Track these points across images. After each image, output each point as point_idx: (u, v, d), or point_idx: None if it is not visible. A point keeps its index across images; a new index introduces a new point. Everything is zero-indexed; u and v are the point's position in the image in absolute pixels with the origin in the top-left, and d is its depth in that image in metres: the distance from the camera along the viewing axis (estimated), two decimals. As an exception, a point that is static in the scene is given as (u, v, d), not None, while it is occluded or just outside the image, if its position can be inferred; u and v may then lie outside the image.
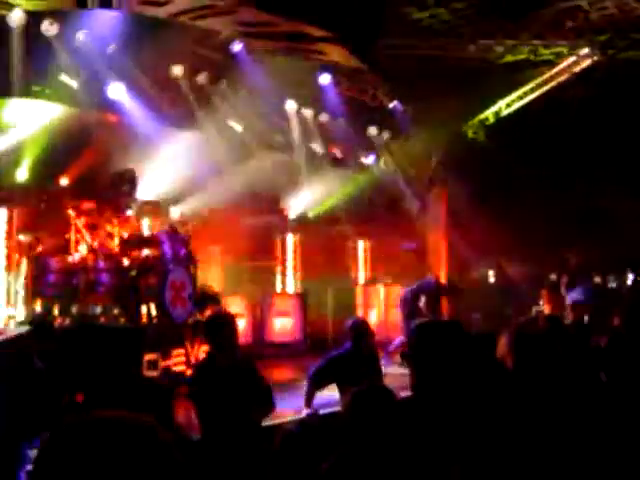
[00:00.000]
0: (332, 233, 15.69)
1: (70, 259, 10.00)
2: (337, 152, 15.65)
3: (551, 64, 15.06)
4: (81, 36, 10.68)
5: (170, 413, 4.77)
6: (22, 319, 9.43)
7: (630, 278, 16.52)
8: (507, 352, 3.47)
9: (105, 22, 10.50)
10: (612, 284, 16.64)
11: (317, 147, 15.19)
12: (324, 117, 14.84)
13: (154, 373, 9.05)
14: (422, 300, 11.42)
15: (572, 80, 15.21)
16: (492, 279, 17.01)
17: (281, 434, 3.07)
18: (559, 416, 3.00)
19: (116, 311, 9.88)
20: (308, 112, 14.52)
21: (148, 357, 9.01)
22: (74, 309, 9.78)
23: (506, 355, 3.46)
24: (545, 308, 13.43)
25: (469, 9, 12.35)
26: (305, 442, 3.03)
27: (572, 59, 14.76)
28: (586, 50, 14.38)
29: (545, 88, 15.61)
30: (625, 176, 15.86)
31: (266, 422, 6.09)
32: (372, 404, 3.11)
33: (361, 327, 7.40)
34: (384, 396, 3.17)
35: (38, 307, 9.85)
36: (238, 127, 13.49)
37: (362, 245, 16.63)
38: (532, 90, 15.75)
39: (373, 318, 14.26)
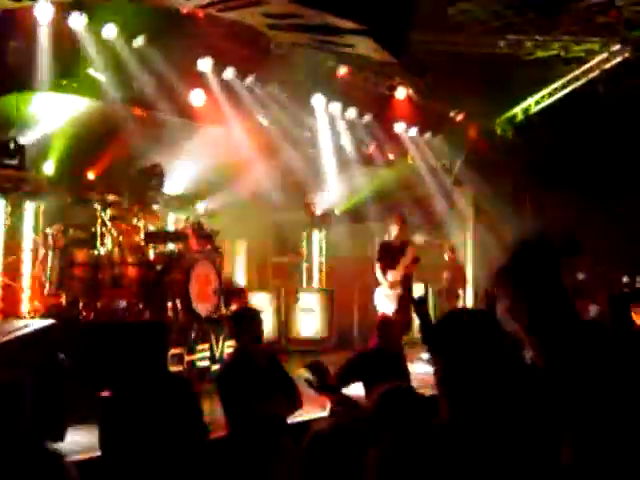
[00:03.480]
0: (359, 229, 15.60)
1: (96, 253, 9.98)
2: (364, 148, 15.54)
3: (582, 61, 14.85)
4: (109, 29, 10.66)
5: (197, 408, 4.73)
6: (47, 312, 9.41)
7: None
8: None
9: (133, 14, 10.47)
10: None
11: (344, 143, 15.10)
12: (351, 112, 14.74)
13: (179, 368, 9.03)
14: None
15: (603, 77, 15.01)
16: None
17: (310, 436, 2.99)
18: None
19: (141, 306, 9.85)
20: (335, 107, 14.42)
21: (173, 352, 8.99)
22: (99, 303, 9.76)
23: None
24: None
25: (499, 4, 12.22)
26: (334, 444, 2.95)
27: (603, 56, 14.55)
28: (618, 47, 14.17)
29: (575, 85, 15.40)
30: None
31: (292, 419, 6.04)
32: (398, 405, 3.04)
33: (387, 326, 7.35)
34: (409, 396, 3.11)
35: (63, 301, 9.83)
36: (265, 122, 13.42)
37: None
38: (562, 87, 15.56)
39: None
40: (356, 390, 6.75)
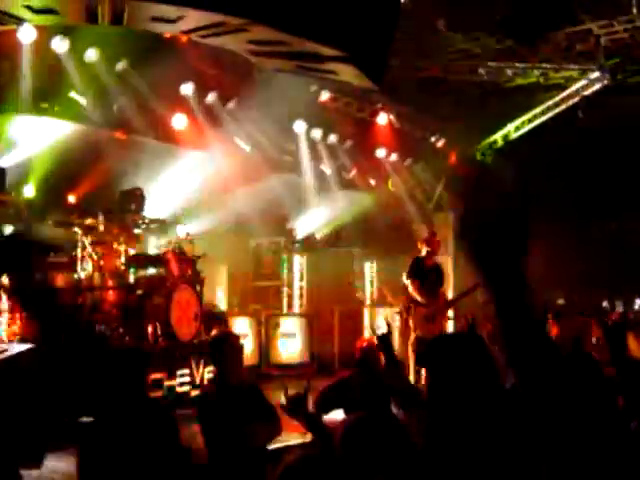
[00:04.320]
0: (339, 254, 15.62)
1: (76, 277, 9.93)
2: (345, 173, 15.60)
3: (561, 88, 15.01)
4: (91, 53, 10.68)
5: (175, 435, 4.69)
6: (26, 337, 9.33)
7: (638, 303, 16.41)
8: None
9: (116, 39, 10.49)
10: (619, 308, 16.52)
11: (325, 168, 15.15)
12: (333, 138, 14.81)
13: (159, 393, 8.97)
14: None
15: (582, 104, 15.16)
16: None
17: (280, 467, 2.98)
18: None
19: (121, 330, 9.79)
20: (317, 133, 14.48)
21: (153, 377, 8.94)
22: (79, 328, 9.69)
23: None
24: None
25: (480, 32, 12.34)
26: (303, 476, 2.94)
27: (582, 83, 14.70)
28: (596, 74, 14.32)
29: (555, 112, 15.54)
30: (631, 199, 15.80)
31: (272, 445, 6.01)
32: (364, 438, 3.04)
33: (369, 352, 7.33)
34: (377, 429, 3.10)
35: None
36: (246, 147, 13.46)
37: (369, 266, 16.57)
38: (542, 113, 15.69)
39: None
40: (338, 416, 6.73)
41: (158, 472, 4.04)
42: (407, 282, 10.83)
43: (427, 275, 10.85)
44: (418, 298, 10.68)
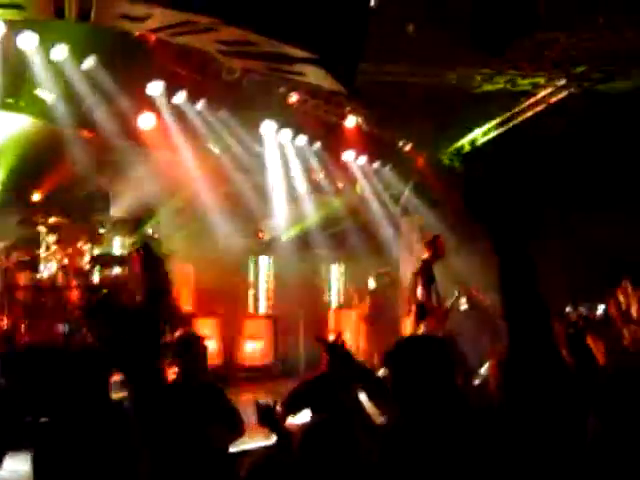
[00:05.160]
0: (305, 256, 15.61)
1: (39, 276, 9.82)
2: (313, 176, 15.60)
3: (528, 94, 15.11)
4: (58, 49, 10.57)
5: (133, 435, 4.64)
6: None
7: (601, 308, 16.50)
8: (493, 377, 3.48)
9: (81, 36, 10.39)
10: (583, 314, 16.61)
11: (293, 170, 15.13)
12: (301, 140, 14.79)
13: (122, 394, 8.88)
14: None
15: (549, 111, 15.28)
16: (463, 307, 16.95)
17: (248, 466, 2.99)
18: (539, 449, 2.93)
19: (84, 330, 9.70)
20: (285, 134, 14.46)
21: (116, 378, 8.85)
22: (42, 327, 9.59)
23: (492, 380, 3.46)
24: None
25: (450, 37, 12.37)
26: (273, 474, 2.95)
27: (549, 90, 14.82)
28: (563, 81, 14.44)
29: (522, 118, 15.65)
30: (595, 204, 15.93)
31: (234, 447, 5.98)
32: (321, 442, 3.06)
33: (337, 351, 7.29)
34: (336, 432, 3.12)
35: (4, 324, 9.64)
36: (215, 147, 13.40)
37: (335, 269, 16.58)
38: (509, 120, 15.79)
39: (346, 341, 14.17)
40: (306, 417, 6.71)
41: (113, 473, 4.00)
42: (417, 290, 10.75)
43: (434, 279, 10.80)
44: (423, 301, 10.63)
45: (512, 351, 3.05)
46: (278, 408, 4.56)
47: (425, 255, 10.95)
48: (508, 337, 2.75)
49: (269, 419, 4.27)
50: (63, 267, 9.98)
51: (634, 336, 9.19)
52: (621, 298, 10.54)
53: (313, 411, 6.72)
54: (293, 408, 6.83)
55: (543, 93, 14.93)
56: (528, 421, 2.81)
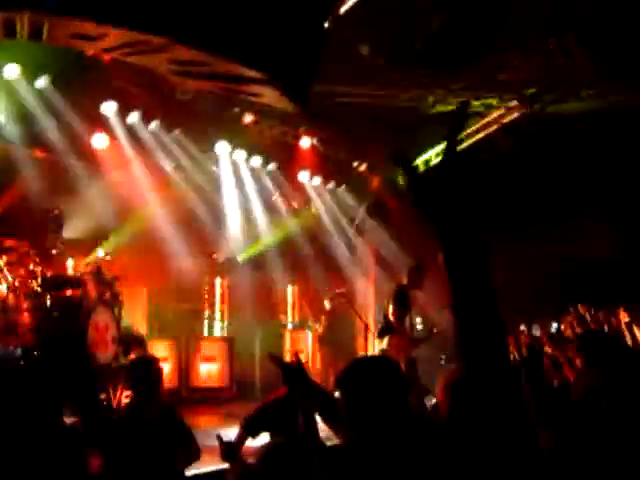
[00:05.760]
0: (261, 277, 15.56)
1: (-10, 297, 9.66)
2: (268, 196, 15.59)
3: (481, 115, 15.30)
4: (11, 68, 10.46)
5: (84, 459, 4.58)
6: None
7: (554, 327, 16.66)
8: (442, 399, 3.50)
9: (35, 55, 10.30)
10: (536, 332, 16.77)
11: (248, 190, 15.11)
12: (256, 160, 14.79)
13: (74, 418, 8.75)
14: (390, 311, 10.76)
15: (500, 132, 15.48)
16: (420, 327, 17.02)
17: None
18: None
19: (36, 353, 9.55)
20: (240, 155, 14.45)
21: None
22: (-8, 350, 9.42)
23: (442, 401, 3.48)
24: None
25: (404, 57, 12.48)
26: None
27: (501, 111, 15.02)
28: (514, 103, 14.65)
29: (474, 139, 15.82)
30: (549, 223, 16.15)
31: (190, 470, 5.91)
32: (280, 463, 3.07)
33: (293, 371, 7.24)
34: (291, 455, 3.13)
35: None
36: (169, 168, 13.34)
37: (291, 290, 16.56)
38: (461, 141, 15.95)
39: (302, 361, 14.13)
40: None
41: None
42: (389, 308, 10.71)
43: (408, 306, 10.73)
44: (394, 325, 10.57)
45: (464, 372, 3.04)
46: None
47: (404, 281, 10.94)
48: (460, 358, 2.76)
49: (233, 456, 4.27)
50: (14, 289, 9.82)
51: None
52: (573, 319, 10.64)
53: (272, 433, 6.69)
54: (252, 431, 6.80)
55: (495, 114, 15.13)
56: (476, 441, 2.81)
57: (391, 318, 10.64)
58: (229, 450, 4.29)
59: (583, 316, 10.03)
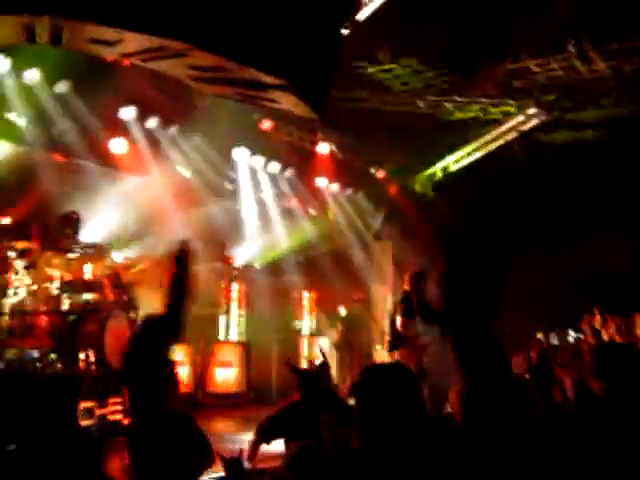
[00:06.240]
0: (278, 283, 15.56)
1: (7, 301, 9.71)
2: (285, 202, 15.61)
3: (499, 122, 15.28)
4: (31, 73, 10.54)
5: (100, 464, 4.58)
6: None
7: (572, 335, 16.59)
8: (455, 407, 3.48)
9: (55, 60, 10.37)
10: (554, 341, 16.70)
11: (266, 196, 15.14)
12: (274, 166, 14.81)
13: (90, 421, 8.79)
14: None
15: (519, 139, 15.45)
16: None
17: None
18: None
19: (53, 356, 9.59)
20: (258, 161, 14.47)
21: (84, 405, 8.76)
22: (9, 353, 9.47)
23: (455, 410, 3.46)
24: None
25: (421, 66, 12.50)
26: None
27: (519, 118, 14.99)
28: (533, 110, 14.62)
29: (493, 146, 15.80)
30: (565, 231, 16.10)
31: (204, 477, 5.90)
32: (309, 467, 3.06)
33: (311, 379, 7.26)
34: (322, 457, 3.13)
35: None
36: (187, 173, 13.38)
37: (307, 296, 16.55)
38: (480, 147, 15.94)
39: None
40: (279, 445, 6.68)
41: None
42: (397, 319, 10.67)
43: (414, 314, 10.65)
44: (403, 336, 10.52)
45: (468, 382, 3.04)
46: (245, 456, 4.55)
47: (407, 287, 10.88)
48: (460, 369, 2.77)
49: (238, 472, 4.26)
50: (32, 292, 9.87)
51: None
52: (587, 326, 10.59)
53: (288, 439, 6.69)
54: (267, 436, 6.80)
55: (514, 121, 15.10)
56: (490, 448, 2.82)
57: (400, 329, 10.60)
58: (233, 466, 4.28)
59: (602, 319, 10.01)
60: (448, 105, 14.19)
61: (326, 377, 5.67)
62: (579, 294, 14.06)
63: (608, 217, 15.70)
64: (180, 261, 3.59)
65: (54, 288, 10.05)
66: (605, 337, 10.27)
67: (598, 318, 10.44)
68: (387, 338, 11.06)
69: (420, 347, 10.73)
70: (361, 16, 10.50)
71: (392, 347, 10.66)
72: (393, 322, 10.78)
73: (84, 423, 8.44)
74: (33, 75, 10.59)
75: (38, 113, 10.90)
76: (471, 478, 2.80)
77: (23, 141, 10.95)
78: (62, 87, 10.92)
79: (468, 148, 16.16)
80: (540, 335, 15.50)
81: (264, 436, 6.90)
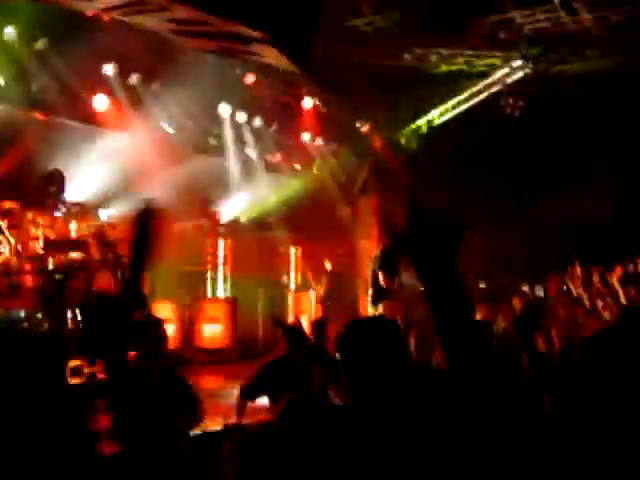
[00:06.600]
0: (264, 239, 15.56)
1: (-8, 261, 9.67)
2: (270, 157, 15.53)
3: (485, 75, 15.18)
4: (9, 30, 10.38)
5: (87, 422, 4.60)
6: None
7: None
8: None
9: (33, 16, 10.21)
10: (540, 293, 16.78)
11: (250, 152, 15.05)
12: (258, 122, 14.71)
13: (79, 380, 8.80)
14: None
15: (504, 91, 15.38)
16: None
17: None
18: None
19: (40, 315, 9.58)
20: (242, 116, 14.37)
21: (72, 364, 8.76)
22: (-5, 312, 9.46)
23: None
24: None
25: (406, 18, 12.36)
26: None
27: (505, 71, 14.90)
28: (519, 62, 14.53)
29: (478, 99, 15.72)
30: (549, 184, 16.12)
31: (195, 431, 5.95)
32: (302, 416, 3.08)
33: (322, 327, 7.26)
34: (314, 407, 3.14)
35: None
36: (170, 129, 13.27)
37: (294, 251, 16.56)
38: (465, 100, 15.85)
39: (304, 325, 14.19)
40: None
41: (70, 459, 3.95)
42: (378, 274, 10.75)
43: (397, 268, 10.69)
44: (386, 290, 10.60)
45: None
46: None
47: (387, 243, 10.96)
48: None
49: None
50: (17, 252, 9.83)
51: (570, 317, 9.27)
52: (567, 278, 10.68)
53: (272, 395, 6.74)
54: (252, 393, 6.86)
55: (499, 74, 15.01)
56: (478, 402, 2.83)
57: (382, 284, 10.66)
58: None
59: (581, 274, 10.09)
60: (433, 58, 14.08)
61: (322, 332, 5.69)
62: (565, 246, 14.12)
63: (592, 169, 15.75)
64: (141, 226, 3.43)
65: (39, 247, 10.01)
66: (583, 290, 10.34)
67: (578, 270, 10.52)
68: (370, 292, 11.15)
69: (406, 299, 10.80)
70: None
71: (375, 300, 10.74)
72: (375, 276, 10.86)
73: (73, 382, 8.45)
74: (10, 32, 10.42)
75: (17, 71, 10.75)
76: (459, 425, 2.81)
77: (2, 99, 10.81)
78: (41, 44, 10.75)
79: (453, 101, 16.07)
80: (525, 287, 15.58)
81: (247, 396, 6.97)
